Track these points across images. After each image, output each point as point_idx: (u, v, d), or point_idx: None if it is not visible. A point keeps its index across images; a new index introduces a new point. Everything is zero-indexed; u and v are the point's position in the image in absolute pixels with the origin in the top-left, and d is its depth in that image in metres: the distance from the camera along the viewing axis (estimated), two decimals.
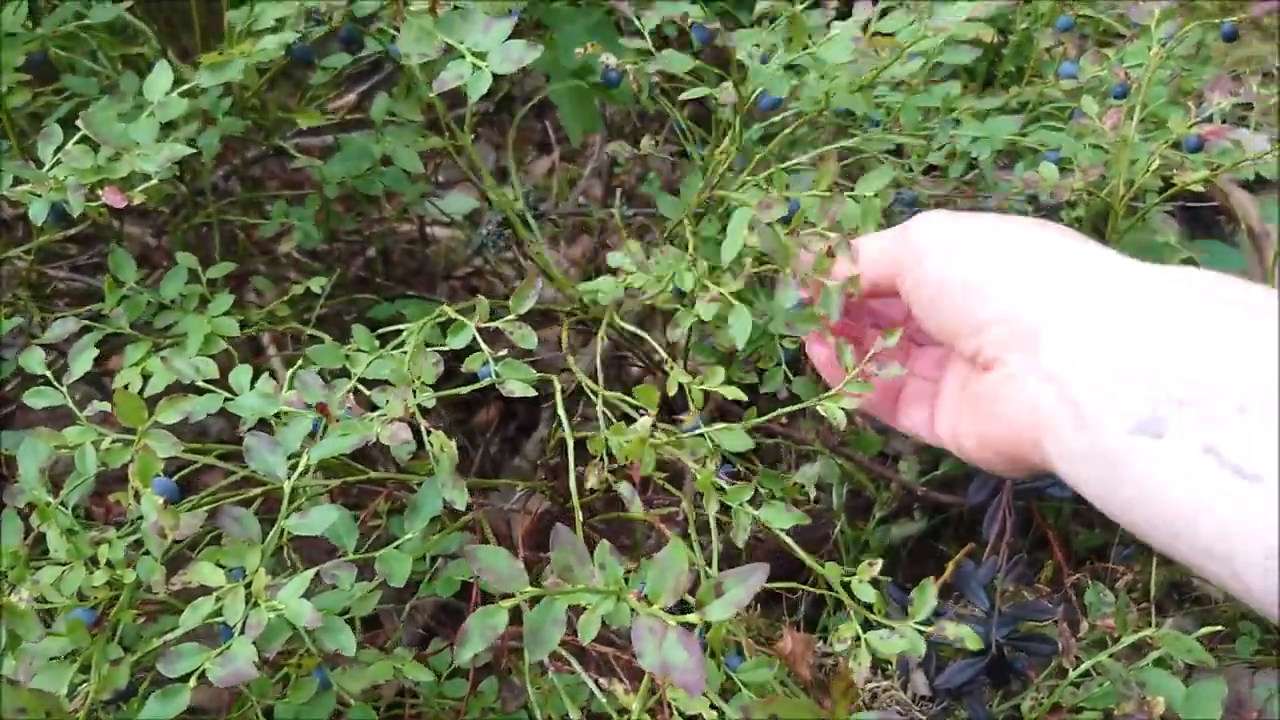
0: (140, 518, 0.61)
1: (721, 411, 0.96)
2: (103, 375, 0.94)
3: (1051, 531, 0.98)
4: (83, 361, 0.69)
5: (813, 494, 0.79)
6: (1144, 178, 0.94)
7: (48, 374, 0.70)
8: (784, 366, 0.89)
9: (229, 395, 0.69)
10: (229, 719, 0.69)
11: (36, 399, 0.70)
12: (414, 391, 0.69)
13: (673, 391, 0.73)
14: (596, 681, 0.72)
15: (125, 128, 0.72)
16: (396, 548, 0.66)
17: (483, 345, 0.74)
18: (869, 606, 0.65)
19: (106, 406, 0.67)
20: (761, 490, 0.78)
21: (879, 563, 0.62)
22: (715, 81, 0.83)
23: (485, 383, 0.73)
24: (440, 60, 0.68)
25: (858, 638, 0.62)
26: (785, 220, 0.70)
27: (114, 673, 0.58)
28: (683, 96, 0.89)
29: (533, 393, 0.73)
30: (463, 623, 0.52)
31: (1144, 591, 0.96)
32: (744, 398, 0.72)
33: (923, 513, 1.11)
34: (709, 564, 0.74)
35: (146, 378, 0.73)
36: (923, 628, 0.62)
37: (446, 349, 0.74)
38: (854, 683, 0.54)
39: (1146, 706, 0.70)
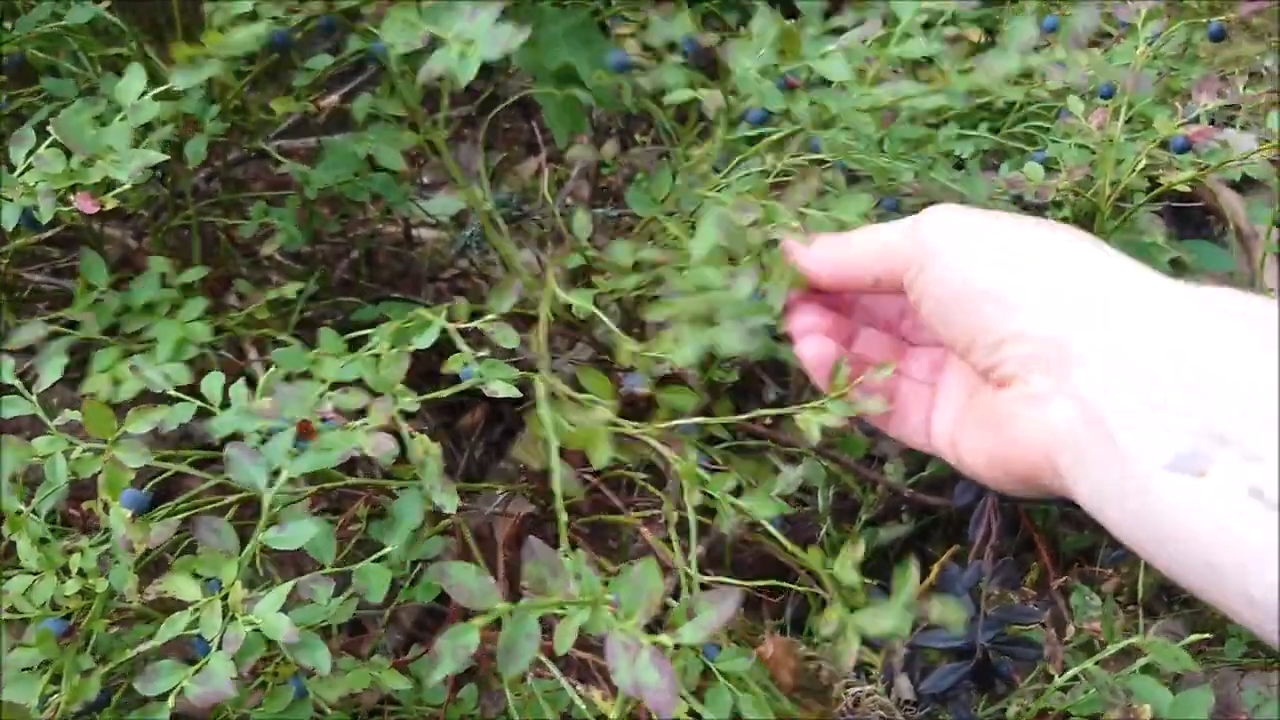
0: (112, 529, 0.61)
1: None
2: (77, 384, 0.93)
3: (1038, 534, 0.97)
4: (53, 370, 0.68)
5: (788, 490, 0.78)
6: (1130, 178, 0.94)
7: (17, 383, 0.69)
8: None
9: (203, 403, 0.68)
10: None
11: (6, 408, 0.69)
12: (395, 397, 0.68)
13: (625, 360, 0.72)
14: (575, 688, 0.71)
15: (98, 133, 0.71)
16: (377, 560, 0.65)
17: (463, 346, 0.73)
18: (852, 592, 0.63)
19: (79, 415, 0.66)
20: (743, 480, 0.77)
21: (861, 544, 0.61)
22: (700, 86, 0.82)
23: (467, 384, 0.73)
24: (424, 54, 0.67)
25: (843, 622, 0.60)
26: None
27: (85, 684, 0.58)
28: (667, 100, 0.88)
29: (516, 393, 0.73)
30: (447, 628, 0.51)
31: (1132, 594, 0.96)
32: (693, 360, 0.72)
33: (910, 515, 1.11)
34: (691, 567, 0.74)
35: (118, 384, 0.72)
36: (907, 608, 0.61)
37: (427, 349, 0.74)
38: (828, 688, 0.53)
39: (1133, 713, 0.70)
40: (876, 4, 0.82)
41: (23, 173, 0.70)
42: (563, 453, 0.79)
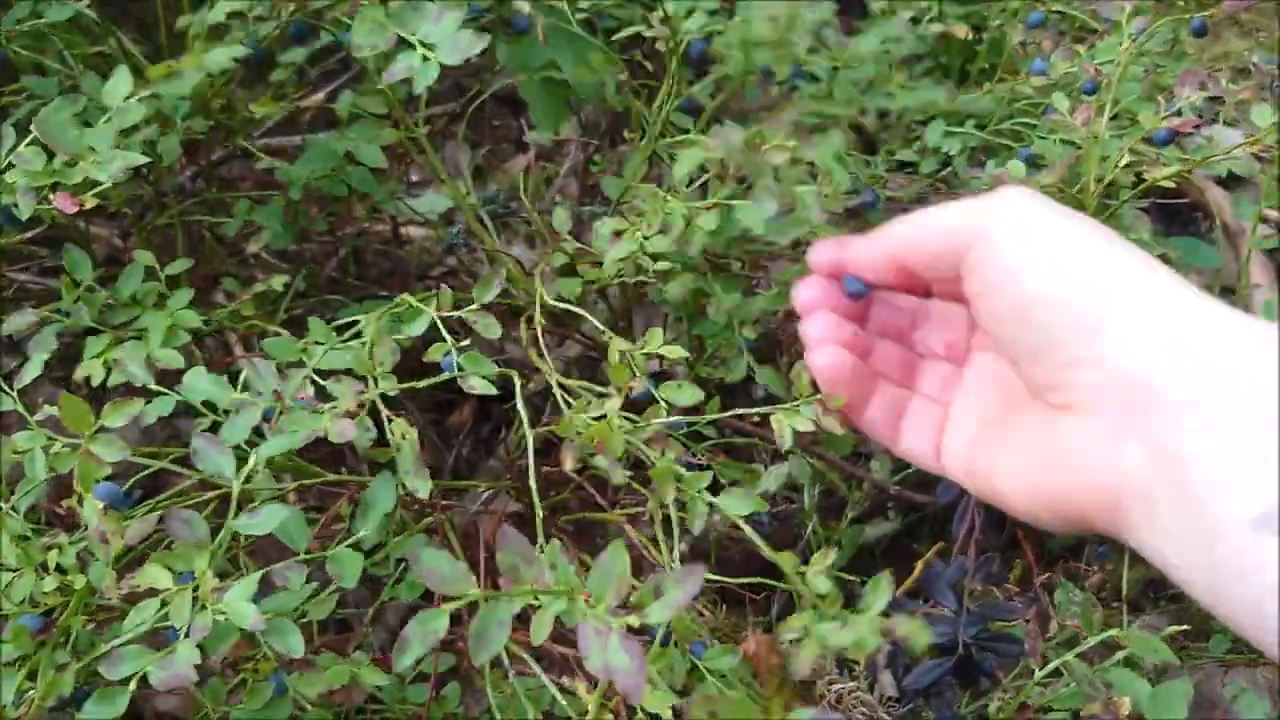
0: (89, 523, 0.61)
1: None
2: (64, 381, 0.93)
3: (1022, 530, 0.97)
4: (35, 364, 0.68)
5: (773, 488, 0.78)
6: (1114, 173, 0.94)
7: None
8: (745, 355, 0.88)
9: (184, 399, 0.69)
10: None
11: None
12: (375, 380, 0.69)
13: (614, 359, 0.72)
14: (559, 685, 0.71)
15: (80, 133, 0.71)
16: (351, 546, 0.65)
17: (445, 335, 0.73)
18: (823, 599, 0.64)
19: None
20: (723, 481, 0.77)
21: (833, 552, 0.61)
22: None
23: (446, 377, 0.73)
24: (393, 53, 0.68)
25: (807, 629, 0.60)
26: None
27: (59, 679, 0.57)
28: (618, 36, 0.89)
29: (494, 390, 0.73)
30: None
31: (1116, 590, 0.96)
32: (686, 355, 0.72)
33: (896, 512, 1.11)
34: (674, 564, 0.74)
35: (109, 370, 0.72)
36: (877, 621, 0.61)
37: (408, 341, 0.74)
38: (789, 678, 0.53)
39: (1112, 706, 0.70)
40: None
41: (2, 170, 0.70)
42: (548, 451, 0.80)
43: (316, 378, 0.70)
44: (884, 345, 0.59)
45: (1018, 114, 1.13)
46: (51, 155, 0.71)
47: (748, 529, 0.66)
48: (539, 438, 0.74)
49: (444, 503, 0.91)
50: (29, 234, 1.04)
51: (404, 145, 0.97)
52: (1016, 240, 0.47)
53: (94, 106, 0.80)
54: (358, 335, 0.75)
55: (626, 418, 0.73)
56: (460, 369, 0.72)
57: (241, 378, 0.68)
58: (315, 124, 1.28)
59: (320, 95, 1.22)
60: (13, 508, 0.65)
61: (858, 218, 0.99)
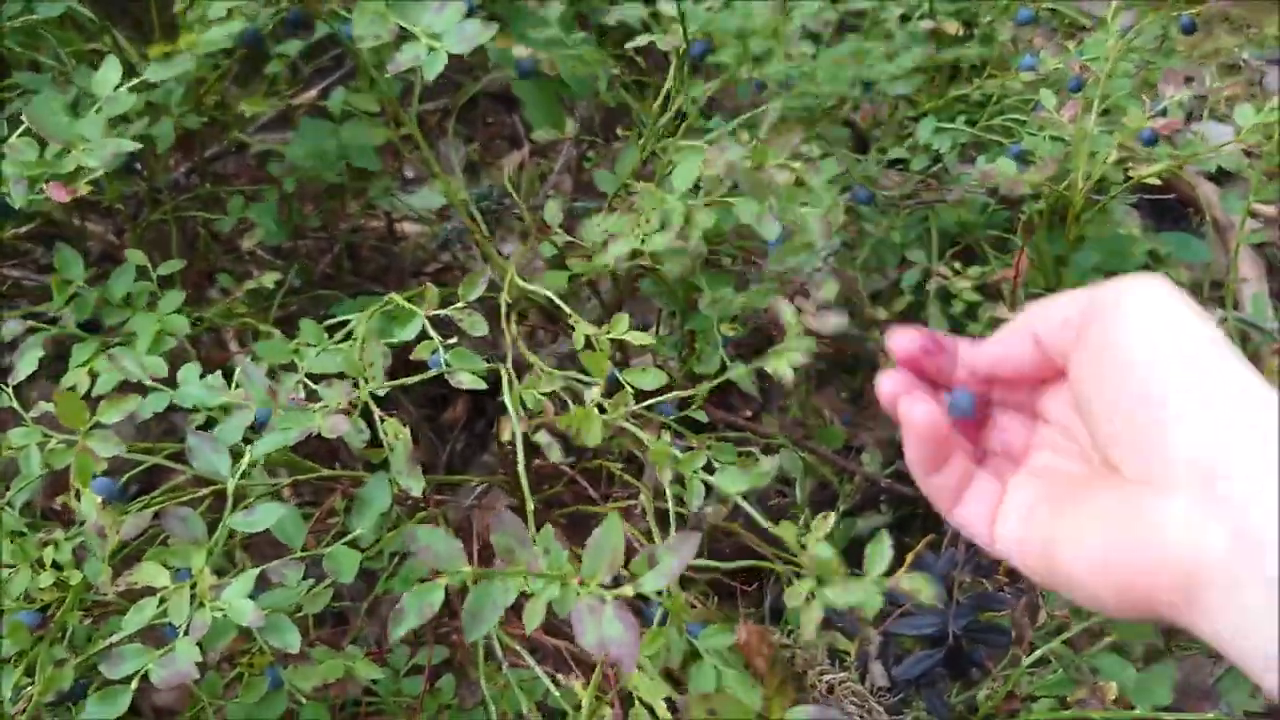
0: (86, 518, 0.61)
1: (683, 407, 0.96)
2: (59, 379, 0.93)
3: None
4: (28, 362, 0.69)
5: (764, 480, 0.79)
6: (1102, 169, 0.94)
7: None
8: (720, 350, 0.88)
9: (175, 396, 0.69)
10: None
11: None
12: (365, 380, 0.69)
13: (580, 345, 0.73)
14: (552, 677, 0.72)
15: (71, 122, 0.71)
16: (347, 543, 0.65)
17: (432, 333, 0.74)
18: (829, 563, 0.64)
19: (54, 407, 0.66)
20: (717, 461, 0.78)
21: (831, 516, 0.61)
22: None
23: (434, 373, 0.73)
24: (392, 45, 0.68)
25: (811, 594, 0.61)
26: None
27: (57, 674, 0.58)
28: (628, 46, 0.90)
29: (482, 385, 0.73)
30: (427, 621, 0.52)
31: None
32: (650, 341, 0.72)
33: (888, 505, 1.12)
34: None
35: (94, 377, 0.73)
36: (879, 583, 0.61)
37: (396, 341, 0.74)
38: (793, 671, 0.53)
39: (1099, 692, 0.71)
40: None
41: None
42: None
43: (308, 381, 0.70)
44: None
45: (1008, 110, 1.14)
46: (44, 147, 0.71)
47: (747, 507, 0.66)
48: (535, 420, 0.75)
49: (438, 498, 0.92)
50: (24, 229, 1.05)
51: (397, 142, 0.97)
52: (1134, 309, 0.49)
53: (85, 97, 0.81)
54: (349, 336, 0.76)
55: (599, 405, 0.73)
56: (447, 366, 0.73)
57: (235, 376, 0.68)
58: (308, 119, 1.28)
59: (313, 92, 1.22)
60: (8, 504, 0.65)
61: (850, 212, 1.00)
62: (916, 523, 1.13)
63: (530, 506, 0.69)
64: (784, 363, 0.76)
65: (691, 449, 0.78)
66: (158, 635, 0.60)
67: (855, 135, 1.17)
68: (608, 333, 0.73)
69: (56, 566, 0.63)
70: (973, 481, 0.57)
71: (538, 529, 0.67)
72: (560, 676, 0.74)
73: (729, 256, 0.95)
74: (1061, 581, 0.49)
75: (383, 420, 0.68)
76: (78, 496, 0.60)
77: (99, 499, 0.58)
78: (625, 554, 0.56)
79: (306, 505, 0.88)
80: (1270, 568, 0.40)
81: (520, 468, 0.71)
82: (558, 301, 0.80)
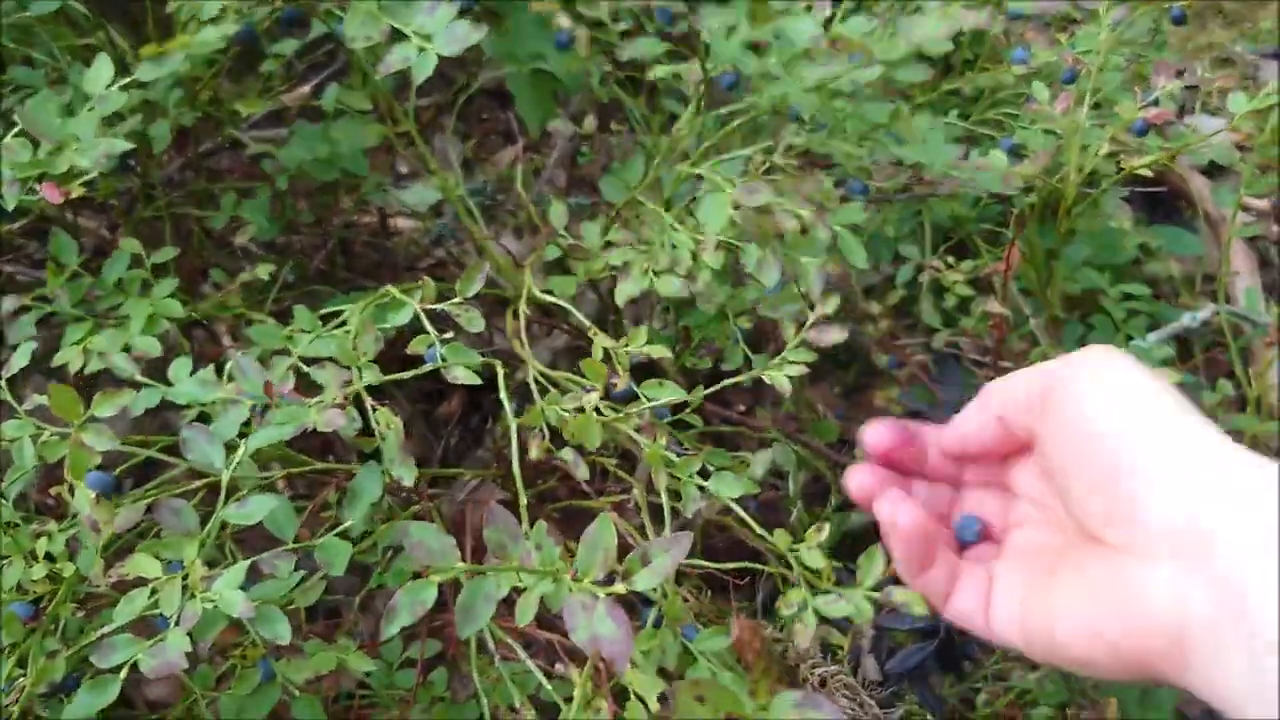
0: (79, 511, 0.61)
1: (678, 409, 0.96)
2: (52, 371, 0.94)
3: None
4: (22, 354, 0.69)
5: (758, 474, 0.79)
6: (1094, 162, 0.95)
7: None
8: (741, 344, 0.89)
9: (168, 394, 0.69)
10: (174, 712, 0.69)
11: None
12: (359, 370, 0.69)
13: (598, 356, 0.73)
14: (545, 670, 0.72)
15: (64, 122, 0.71)
16: (339, 535, 0.65)
17: (429, 327, 0.74)
18: (816, 574, 0.65)
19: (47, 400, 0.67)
20: (711, 467, 0.78)
21: (826, 527, 0.62)
22: (671, 62, 0.84)
23: (431, 367, 0.73)
24: (384, 45, 0.68)
25: (804, 603, 0.62)
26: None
27: (49, 666, 0.58)
28: (650, 76, 0.90)
29: (477, 379, 0.73)
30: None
31: None
32: (669, 354, 0.73)
33: None
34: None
35: (88, 357, 0.73)
36: (871, 594, 0.62)
37: (392, 331, 0.74)
38: (779, 660, 0.54)
39: (1099, 708, 0.71)
40: None
41: None
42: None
43: (301, 365, 0.70)
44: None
45: (1000, 104, 1.14)
46: (37, 146, 0.71)
47: (738, 509, 0.67)
48: (525, 426, 0.75)
49: (431, 491, 0.92)
50: (17, 225, 1.05)
51: (392, 138, 0.97)
52: (1095, 382, 0.50)
53: (79, 97, 0.81)
54: (343, 325, 0.76)
55: (612, 408, 0.74)
56: (443, 360, 0.73)
57: (227, 370, 0.68)
58: (302, 118, 1.28)
59: (306, 89, 1.22)
60: (1, 496, 0.66)
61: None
62: None
63: (524, 501, 0.69)
64: (782, 374, 0.76)
65: (686, 451, 0.78)
66: (150, 627, 0.60)
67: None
68: (626, 346, 0.74)
69: (50, 558, 0.63)
70: (960, 575, 0.57)
71: (531, 524, 0.67)
72: (557, 665, 0.75)
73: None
74: (1061, 655, 0.50)
75: (374, 410, 0.68)
76: (71, 490, 0.60)
77: (93, 493, 0.58)
78: (619, 549, 0.56)
79: (300, 498, 0.88)
80: (1252, 630, 0.41)
81: (515, 464, 0.71)
82: (571, 310, 0.80)
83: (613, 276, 0.99)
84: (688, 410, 0.84)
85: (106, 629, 0.58)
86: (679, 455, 0.76)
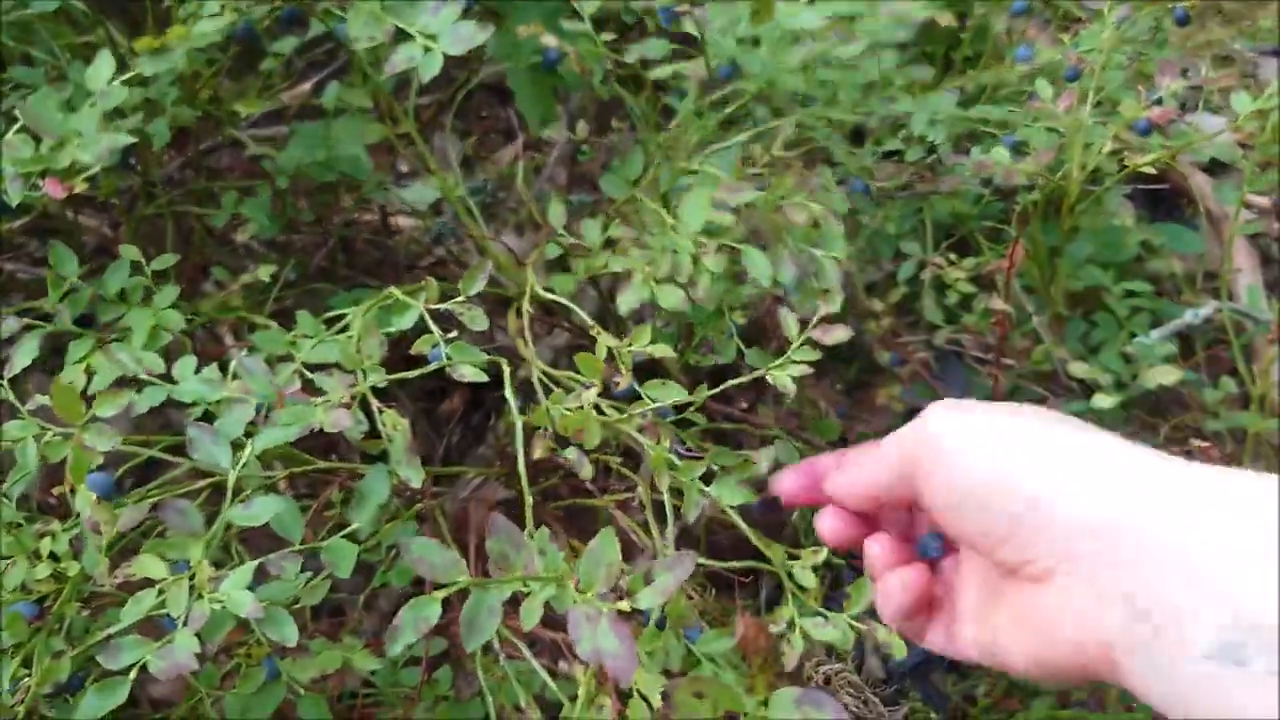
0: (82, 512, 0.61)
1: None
2: (56, 368, 0.93)
3: None
4: (24, 355, 0.69)
5: (762, 472, 0.79)
6: (1097, 159, 0.95)
7: None
8: (735, 339, 0.89)
9: (172, 392, 0.69)
10: (178, 712, 0.69)
11: None
12: (364, 373, 0.69)
13: (601, 355, 0.73)
14: (550, 669, 0.72)
15: (65, 118, 0.71)
16: (346, 536, 0.65)
17: (433, 327, 0.74)
18: (807, 592, 0.65)
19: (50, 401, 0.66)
20: (715, 468, 0.78)
21: (823, 551, 0.62)
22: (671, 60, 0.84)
23: (435, 367, 0.73)
24: (388, 45, 0.68)
25: (792, 622, 0.62)
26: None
27: (55, 666, 0.58)
28: (651, 75, 0.90)
29: (484, 377, 0.73)
30: None
31: None
32: (672, 354, 0.73)
33: None
34: (667, 547, 0.75)
35: (90, 375, 0.73)
36: (855, 623, 0.62)
37: (396, 332, 0.74)
38: (775, 656, 0.54)
39: (1099, 692, 0.71)
40: None
41: None
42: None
43: (305, 371, 0.70)
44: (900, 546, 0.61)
45: (1002, 101, 1.14)
46: (39, 143, 0.71)
47: (738, 520, 0.67)
48: (529, 425, 0.75)
49: (435, 489, 0.92)
50: (19, 223, 1.04)
51: (392, 138, 0.97)
52: (956, 441, 0.51)
53: (80, 95, 0.80)
54: (346, 328, 0.76)
55: (615, 407, 0.74)
56: (449, 359, 0.73)
57: (231, 369, 0.68)
58: (302, 116, 1.28)
59: (307, 87, 1.22)
60: (4, 495, 0.65)
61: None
62: None
63: (529, 500, 0.69)
64: (784, 374, 0.76)
65: (690, 451, 0.78)
66: (156, 627, 0.60)
67: (850, 127, 1.17)
68: (629, 345, 0.73)
69: (54, 558, 0.63)
70: (935, 607, 0.57)
71: (535, 524, 0.67)
72: (561, 664, 0.75)
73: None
74: (1013, 671, 0.51)
75: (381, 412, 0.68)
76: (73, 492, 0.60)
77: (94, 495, 0.58)
78: (623, 547, 0.56)
79: (303, 498, 0.88)
80: (1172, 640, 0.42)
81: (520, 462, 0.71)
82: (573, 308, 0.80)
83: (614, 274, 0.99)
84: (691, 409, 0.83)
85: (113, 629, 0.58)
86: (683, 456, 0.76)
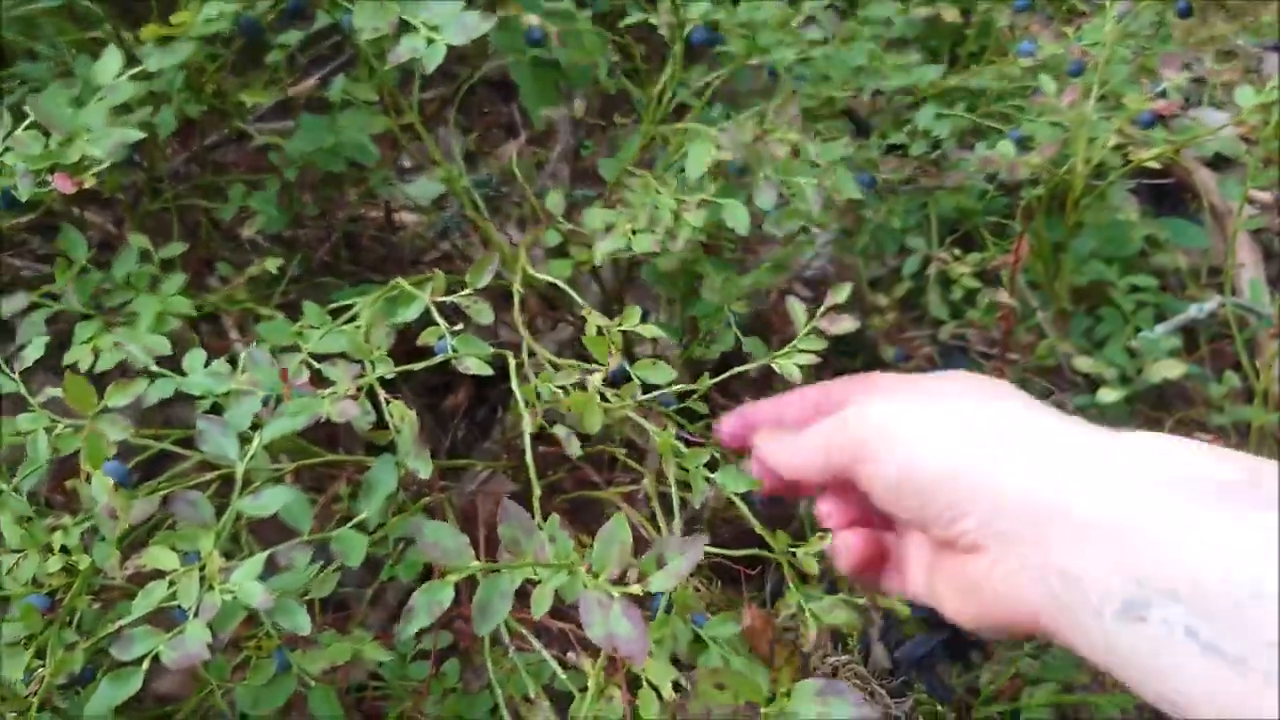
0: (94, 503, 0.61)
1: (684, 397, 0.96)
2: (61, 366, 0.94)
3: None
4: (35, 348, 0.69)
5: None
6: (1101, 154, 0.95)
7: None
8: (734, 329, 0.89)
9: (181, 383, 0.69)
10: (189, 704, 0.69)
11: None
12: (371, 364, 0.69)
13: (592, 332, 0.73)
14: (559, 659, 0.72)
15: (75, 113, 0.71)
16: (354, 527, 0.65)
17: (439, 319, 0.74)
18: (818, 577, 0.66)
19: (60, 392, 0.67)
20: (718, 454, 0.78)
21: (829, 537, 0.62)
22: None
23: (441, 359, 0.73)
24: (392, 37, 0.68)
25: (800, 606, 0.63)
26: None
27: (68, 657, 0.58)
28: (623, 23, 0.90)
29: (489, 370, 0.73)
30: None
31: None
32: (662, 335, 0.74)
33: None
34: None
35: (97, 355, 0.73)
36: (857, 600, 0.63)
37: (402, 324, 0.74)
38: (798, 650, 0.54)
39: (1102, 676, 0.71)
40: None
41: (0, 154, 0.70)
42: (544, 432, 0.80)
43: (312, 361, 0.70)
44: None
45: (1006, 96, 1.14)
46: (48, 138, 0.71)
47: (741, 505, 0.67)
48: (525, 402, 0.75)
49: (441, 484, 0.92)
50: (23, 220, 1.04)
51: (397, 131, 0.97)
52: (893, 435, 0.54)
53: (88, 91, 0.81)
54: (352, 319, 0.76)
55: (616, 394, 0.74)
56: (454, 351, 0.73)
57: (240, 361, 0.68)
58: (307, 111, 1.28)
59: (312, 81, 1.22)
60: (15, 489, 0.66)
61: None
62: None
63: (537, 492, 0.69)
64: (791, 363, 0.76)
65: (694, 442, 0.79)
66: (166, 619, 0.60)
67: (855, 122, 1.17)
68: (619, 325, 0.74)
69: (64, 551, 0.63)
70: (888, 558, 0.61)
71: (542, 516, 0.67)
72: (570, 654, 0.75)
73: (730, 245, 0.95)
74: (968, 628, 0.54)
75: (388, 403, 0.68)
76: (88, 480, 0.60)
77: (111, 482, 0.58)
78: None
79: (307, 491, 0.88)
80: (1095, 609, 0.45)
81: (529, 454, 0.71)
82: (569, 291, 0.80)
83: (615, 263, 1.00)
84: (694, 398, 0.84)
85: (124, 621, 0.58)
86: (688, 443, 0.76)
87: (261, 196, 1.00)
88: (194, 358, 0.70)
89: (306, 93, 1.11)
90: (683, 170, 0.80)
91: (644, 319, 0.99)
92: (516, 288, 0.77)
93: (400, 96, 0.90)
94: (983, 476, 0.50)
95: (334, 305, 0.78)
